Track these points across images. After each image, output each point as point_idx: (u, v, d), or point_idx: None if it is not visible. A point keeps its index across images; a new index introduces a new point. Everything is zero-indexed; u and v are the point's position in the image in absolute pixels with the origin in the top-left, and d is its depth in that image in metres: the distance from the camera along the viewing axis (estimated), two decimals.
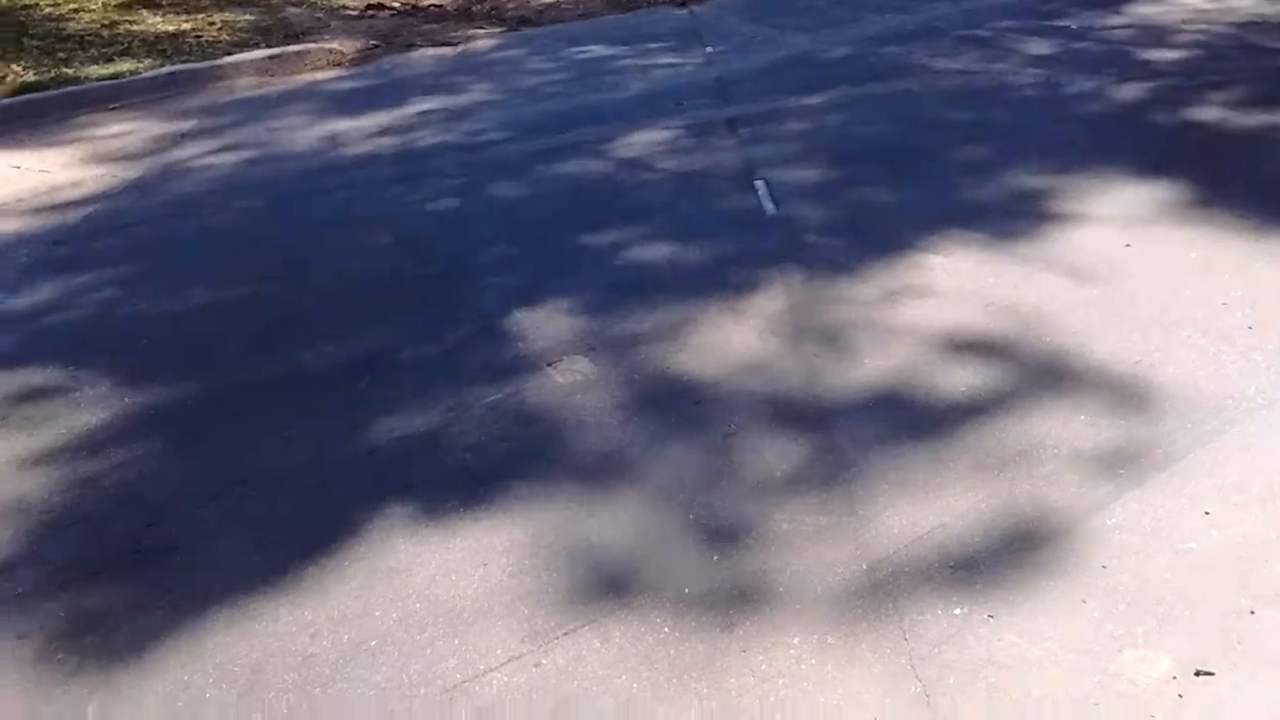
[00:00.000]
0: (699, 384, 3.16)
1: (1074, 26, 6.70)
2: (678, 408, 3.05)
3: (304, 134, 5.66)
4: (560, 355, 3.32)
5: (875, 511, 2.59)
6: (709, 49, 6.83)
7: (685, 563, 2.45)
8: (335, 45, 7.31)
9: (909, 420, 2.94)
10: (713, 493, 2.68)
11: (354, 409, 3.13)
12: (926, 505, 2.60)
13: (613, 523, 2.60)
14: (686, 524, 2.58)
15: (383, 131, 5.61)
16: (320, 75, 6.87)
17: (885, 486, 2.68)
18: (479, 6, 8.58)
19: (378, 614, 2.33)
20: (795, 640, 2.21)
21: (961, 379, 3.10)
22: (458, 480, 2.78)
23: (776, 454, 2.82)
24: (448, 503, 2.68)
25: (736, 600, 2.33)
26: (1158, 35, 6.45)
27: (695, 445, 2.87)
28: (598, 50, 7.03)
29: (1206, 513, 2.49)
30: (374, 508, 2.69)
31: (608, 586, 2.39)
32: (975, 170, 4.58)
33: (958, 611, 2.26)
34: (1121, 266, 3.67)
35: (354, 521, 2.64)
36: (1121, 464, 2.69)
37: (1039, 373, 3.10)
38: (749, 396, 3.09)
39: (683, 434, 2.92)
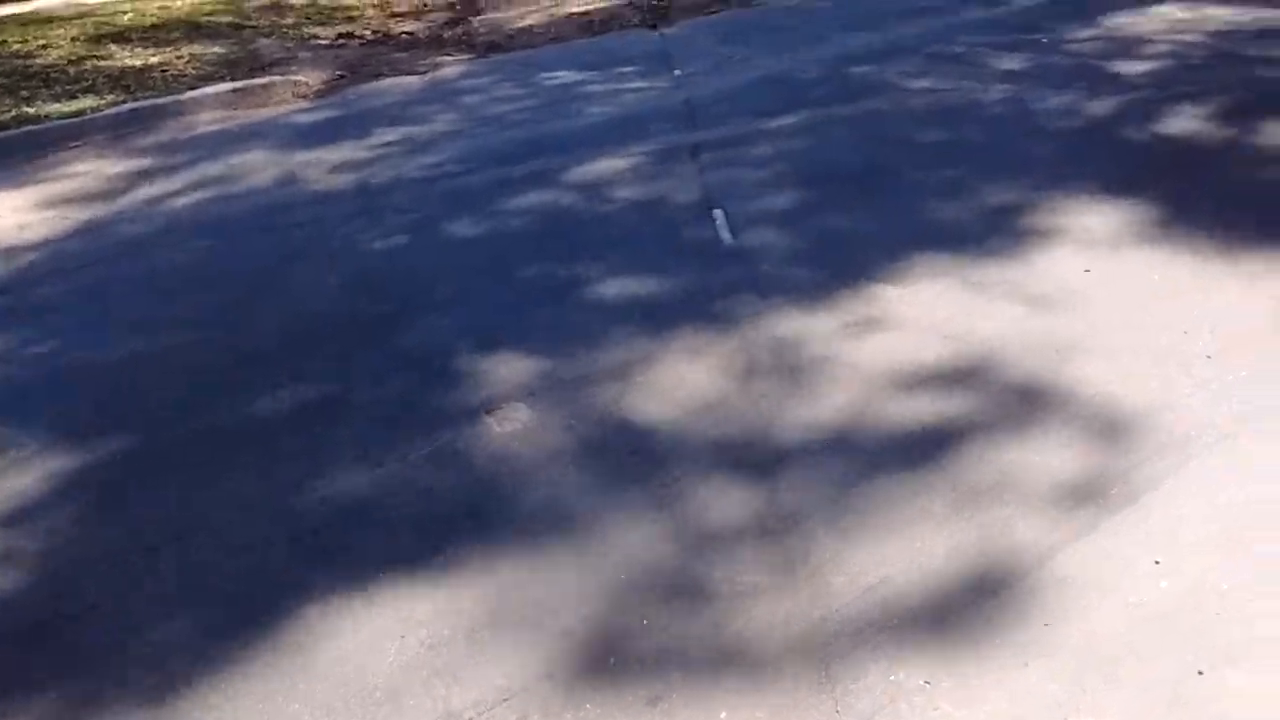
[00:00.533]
0: (644, 429, 3.06)
1: (1046, 40, 6.61)
2: (618, 457, 2.95)
3: (263, 170, 5.57)
4: (501, 402, 3.22)
5: (818, 566, 2.48)
6: (678, 72, 6.75)
7: (614, 630, 2.34)
8: (301, 77, 7.24)
9: (860, 462, 2.83)
10: (648, 551, 2.57)
11: (284, 464, 3.03)
12: (871, 557, 2.49)
13: (540, 586, 2.49)
14: (618, 587, 2.47)
15: (343, 165, 5.52)
16: (284, 108, 6.78)
17: (830, 538, 2.57)
18: (450, 33, 8.51)
19: (280, 699, 2.22)
20: (722, 715, 2.09)
21: (916, 417, 3.00)
22: (383, 543, 2.67)
23: (720, 505, 2.72)
24: (370, 568, 2.57)
25: (665, 670, 2.22)
26: (1131, 47, 6.35)
27: (633, 499, 2.76)
28: (566, 75, 6.94)
29: (1156, 561, 2.38)
30: (294, 575, 2.58)
31: (530, 656, 2.28)
32: (939, 193, 4.48)
33: (893, 678, 2.14)
34: (1084, 292, 3.56)
35: (270, 592, 2.53)
36: (1074, 506, 2.58)
37: (994, 410, 3.00)
38: (696, 441, 2.98)
39: (621, 486, 2.82)
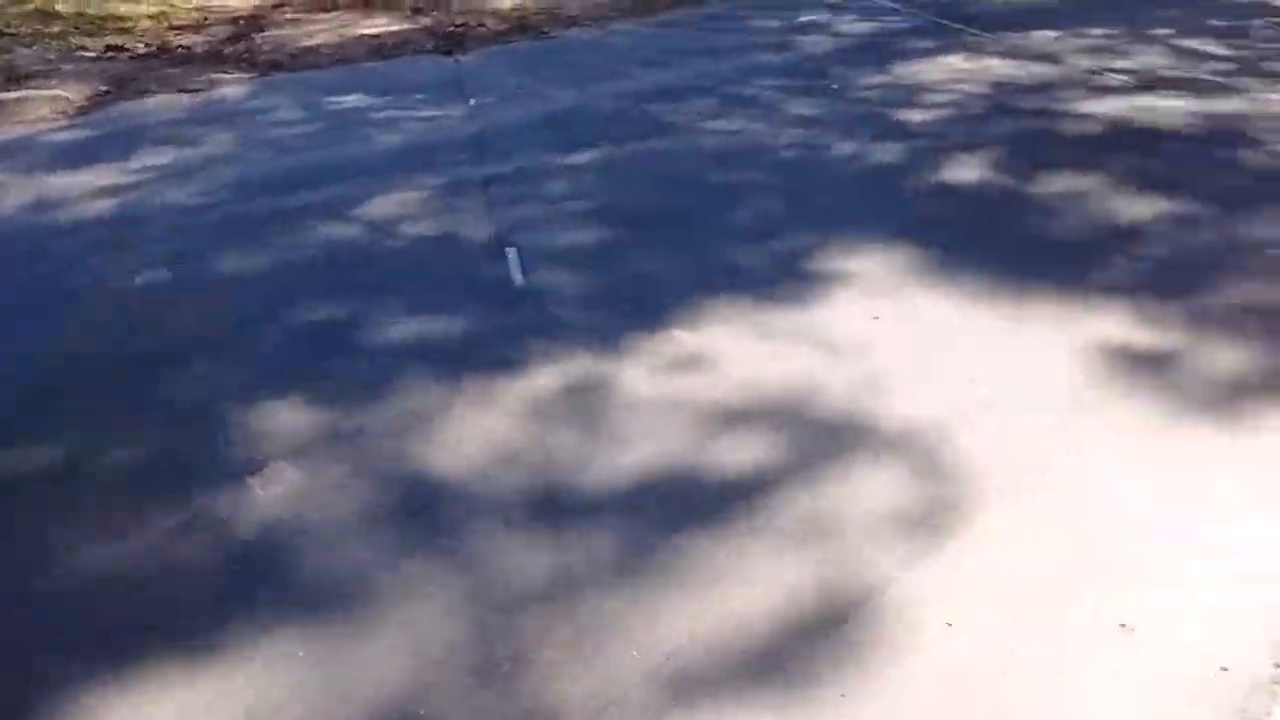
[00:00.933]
0: (428, 486, 2.85)
1: (835, 86, 6.75)
2: (399, 519, 2.72)
3: (9, 194, 5.06)
4: (265, 461, 2.94)
5: (613, 635, 2.33)
6: (471, 101, 6.56)
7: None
8: (62, 91, 6.67)
9: (656, 516, 2.72)
10: (430, 627, 2.36)
11: (17, 536, 2.68)
12: (663, 627, 2.36)
13: (308, 670, 2.24)
14: (394, 669, 2.25)
15: (101, 191, 5.07)
16: (41, 126, 6.22)
17: (626, 603, 2.43)
18: (231, 49, 8.05)
19: None
20: None
21: (712, 467, 2.91)
22: (132, 625, 2.37)
23: (512, 569, 2.53)
24: (118, 655, 2.27)
25: None
26: (917, 95, 6.54)
27: (415, 567, 2.55)
28: (353, 100, 6.65)
29: (949, 624, 2.34)
30: (32, 664, 2.27)
31: None
32: (732, 236, 4.45)
33: None
34: (872, 340, 3.57)
35: (4, 683, 2.21)
36: (865, 567, 2.52)
37: (785, 463, 2.93)
38: (487, 498, 2.80)
39: (401, 553, 2.60)
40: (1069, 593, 2.43)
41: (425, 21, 8.85)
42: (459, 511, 2.75)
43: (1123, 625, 2.31)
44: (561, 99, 6.57)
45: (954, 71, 7.01)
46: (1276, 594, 2.39)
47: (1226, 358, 3.42)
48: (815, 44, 7.93)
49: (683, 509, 2.75)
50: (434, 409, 3.21)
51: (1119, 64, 6.96)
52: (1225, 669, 2.18)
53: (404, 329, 3.70)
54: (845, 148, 5.57)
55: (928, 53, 7.44)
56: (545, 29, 8.58)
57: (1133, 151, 5.37)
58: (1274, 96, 6.17)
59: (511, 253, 4.27)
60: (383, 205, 4.83)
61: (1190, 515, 2.69)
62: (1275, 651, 2.21)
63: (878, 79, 6.91)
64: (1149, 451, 2.96)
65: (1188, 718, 2.08)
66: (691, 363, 3.46)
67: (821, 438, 3.04)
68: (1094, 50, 7.32)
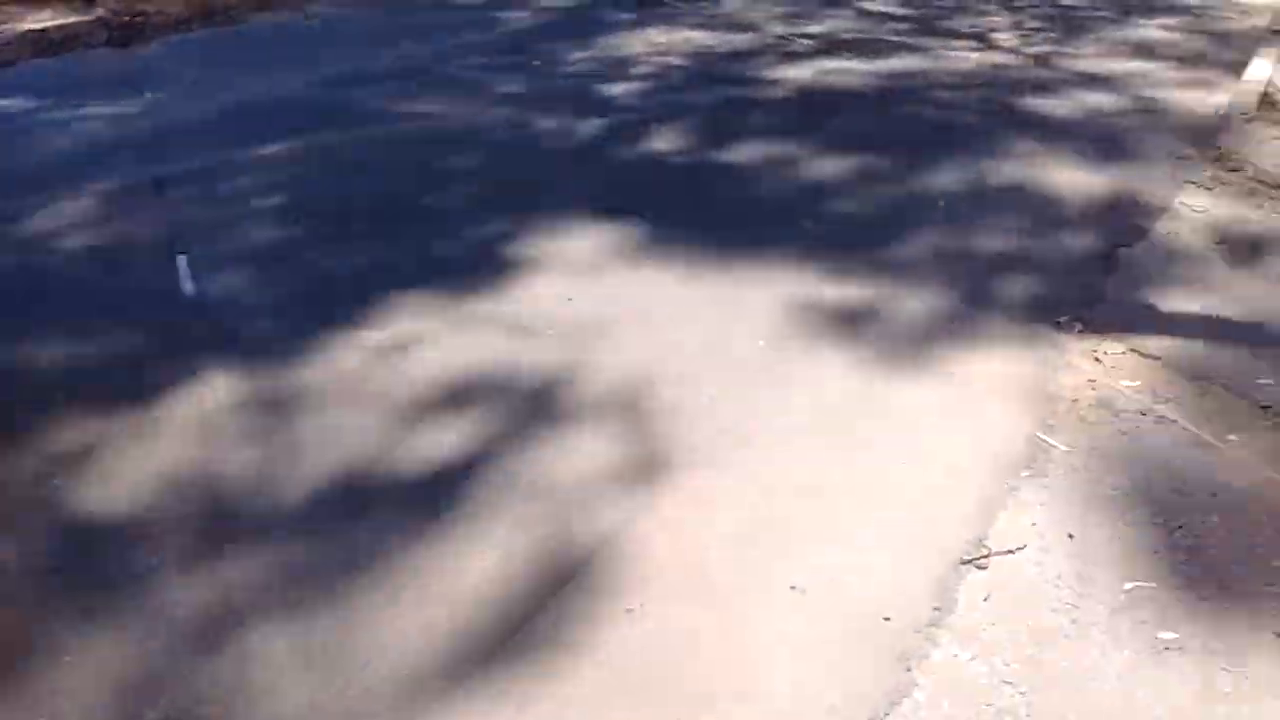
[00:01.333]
0: (75, 534, 2.58)
1: (539, 63, 6.66)
2: (38, 576, 2.44)
3: None
4: None
5: (278, 678, 2.15)
6: (149, 96, 6.08)
7: None
8: None
9: (341, 531, 2.55)
10: (65, 696, 2.12)
11: None
12: (339, 654, 2.21)
13: None
14: None
15: None
16: None
17: (295, 639, 2.25)
18: None
19: None
20: None
21: (402, 465, 2.76)
22: None
23: (167, 616, 2.31)
24: None
25: None
26: (618, 68, 6.54)
27: (52, 626, 2.28)
28: (14, 104, 6.04)
29: (628, 610, 2.29)
30: None
31: None
32: (429, 225, 4.29)
33: None
34: (569, 319, 3.51)
35: None
36: (557, 552, 2.45)
37: (476, 449, 2.83)
38: (135, 538, 2.55)
39: (39, 613, 2.32)
40: (748, 559, 2.43)
41: (99, 12, 8.13)
42: (116, 556, 2.49)
43: (793, 588, 2.32)
44: (251, 88, 6.18)
45: (653, 44, 7.05)
46: (937, 539, 2.47)
47: (910, 307, 3.56)
48: (517, 20, 7.82)
49: (372, 513, 2.62)
50: (87, 445, 2.91)
51: (808, 29, 7.19)
52: (888, 619, 2.23)
53: (54, 357, 3.35)
54: (549, 125, 5.49)
55: (627, 26, 7.46)
56: (233, 14, 8.08)
57: (822, 114, 5.54)
58: (949, 53, 6.52)
59: (182, 260, 3.95)
60: (41, 218, 4.38)
61: (863, 470, 2.75)
62: (934, 598, 2.27)
63: (580, 54, 6.87)
64: (832, 408, 3.02)
65: (851, 670, 2.11)
66: (382, 360, 3.30)
67: (516, 420, 2.97)
68: (785, 17, 7.53)
